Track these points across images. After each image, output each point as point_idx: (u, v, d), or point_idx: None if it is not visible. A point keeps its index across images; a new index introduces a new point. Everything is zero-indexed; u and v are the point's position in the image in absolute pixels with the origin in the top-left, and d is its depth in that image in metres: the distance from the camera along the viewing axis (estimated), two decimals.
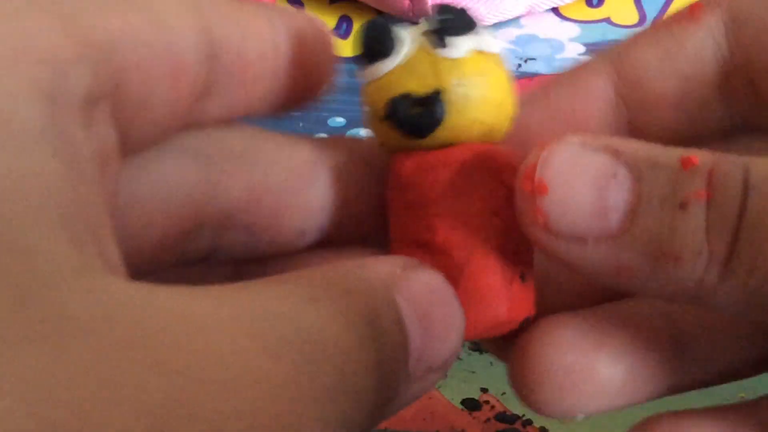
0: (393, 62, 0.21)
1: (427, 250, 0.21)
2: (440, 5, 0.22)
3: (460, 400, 0.32)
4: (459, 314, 0.20)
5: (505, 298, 0.21)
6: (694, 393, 0.32)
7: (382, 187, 0.22)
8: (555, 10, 0.54)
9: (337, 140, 0.23)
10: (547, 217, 0.19)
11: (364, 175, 0.23)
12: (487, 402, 0.32)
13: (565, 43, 0.51)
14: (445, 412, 0.31)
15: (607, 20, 0.53)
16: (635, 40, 0.24)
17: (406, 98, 0.21)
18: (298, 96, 0.23)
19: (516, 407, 0.32)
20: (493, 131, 0.22)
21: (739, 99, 0.23)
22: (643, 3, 0.54)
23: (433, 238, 0.21)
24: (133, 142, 0.19)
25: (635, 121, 0.24)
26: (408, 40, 0.21)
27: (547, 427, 0.31)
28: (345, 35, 0.52)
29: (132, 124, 0.19)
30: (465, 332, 0.20)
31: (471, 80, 0.21)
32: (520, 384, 0.22)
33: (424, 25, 0.21)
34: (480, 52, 0.21)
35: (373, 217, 0.23)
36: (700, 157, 0.19)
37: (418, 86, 0.21)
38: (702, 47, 0.23)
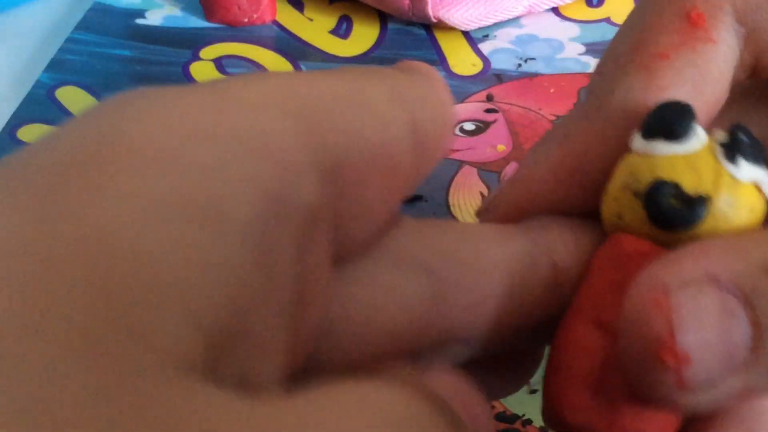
0: (678, 149, 0.20)
1: (606, 332, 0.20)
2: (737, 125, 0.21)
3: None
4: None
5: None
6: None
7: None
8: (555, 10, 0.54)
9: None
10: (685, 380, 0.18)
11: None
12: None
13: (565, 43, 0.51)
14: None
15: (607, 20, 0.53)
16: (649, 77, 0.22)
17: (674, 188, 0.20)
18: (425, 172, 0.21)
19: (516, 407, 0.32)
20: None
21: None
22: None
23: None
24: (346, 249, 0.18)
25: None
26: (702, 134, 0.20)
27: (546, 427, 0.31)
28: (345, 35, 0.52)
29: (348, 229, 0.17)
30: None
31: (740, 207, 0.20)
32: None
33: (719, 134, 0.21)
34: (757, 186, 0.21)
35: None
36: None
37: (690, 183, 0.20)
38: (726, 69, 0.22)
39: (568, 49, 0.51)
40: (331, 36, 0.52)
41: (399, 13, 0.52)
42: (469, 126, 0.45)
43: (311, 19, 0.53)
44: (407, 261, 0.20)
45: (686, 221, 0.20)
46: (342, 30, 0.52)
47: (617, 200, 0.21)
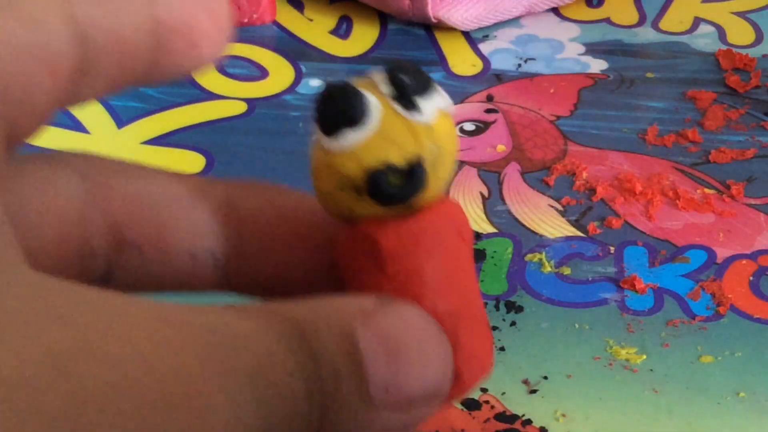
0: (366, 130, 0.20)
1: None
2: (393, 63, 0.21)
3: (459, 400, 0.32)
4: (441, 350, 0.20)
5: (491, 351, 0.21)
6: (694, 392, 0.32)
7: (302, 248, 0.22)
8: (555, 10, 0.54)
9: (246, 184, 0.23)
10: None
11: (275, 225, 0.22)
12: (486, 402, 0.32)
13: (565, 43, 0.51)
14: (444, 412, 0.31)
15: (607, 20, 0.53)
16: None
17: (387, 169, 0.20)
18: (186, 63, 0.22)
19: (516, 407, 0.32)
20: (448, 181, 0.21)
21: None
22: (643, 3, 0.54)
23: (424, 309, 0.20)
24: (15, 136, 0.19)
25: None
26: (376, 102, 0.20)
27: (546, 427, 0.31)
28: (345, 35, 0.52)
29: (15, 121, 0.19)
30: (461, 389, 0.20)
31: (445, 143, 0.20)
32: None
33: (383, 87, 0.20)
34: (441, 111, 0.20)
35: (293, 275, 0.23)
36: None
37: (398, 155, 0.20)
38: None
39: (568, 49, 0.51)
40: (331, 36, 0.52)
41: (399, 14, 0.52)
42: (469, 126, 0.45)
43: (311, 20, 0.53)
44: (66, 167, 0.21)
45: (417, 189, 0.20)
46: (342, 30, 0.52)
47: (340, 200, 0.20)
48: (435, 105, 0.20)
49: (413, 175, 0.20)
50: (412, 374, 0.19)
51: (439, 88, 0.21)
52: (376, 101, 0.20)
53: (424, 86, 0.20)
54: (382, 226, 0.20)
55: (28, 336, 0.15)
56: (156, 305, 0.17)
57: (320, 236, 0.22)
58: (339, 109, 0.20)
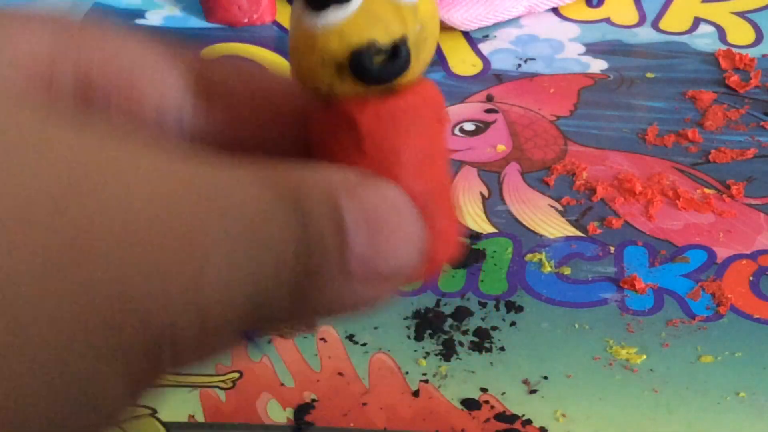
0: (351, 7, 0.20)
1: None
2: None
3: (459, 400, 0.32)
4: (416, 229, 0.20)
5: (459, 231, 0.22)
6: (694, 391, 0.32)
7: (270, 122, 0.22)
8: (555, 10, 0.54)
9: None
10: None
11: (244, 95, 0.23)
12: (486, 402, 0.32)
13: (565, 43, 0.51)
14: (444, 412, 0.31)
15: (607, 20, 0.53)
16: None
17: (372, 48, 0.20)
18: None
19: (516, 407, 0.32)
20: (428, 64, 0.21)
21: None
22: (643, 3, 0.54)
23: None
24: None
25: None
26: None
27: (546, 427, 0.31)
28: None
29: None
30: (430, 268, 0.21)
31: (429, 24, 0.20)
32: None
33: None
34: None
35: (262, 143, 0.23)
36: None
37: (382, 34, 0.20)
38: None
39: (568, 49, 0.51)
40: None
41: None
42: (469, 126, 0.45)
43: None
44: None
45: (401, 70, 0.20)
46: None
47: (320, 78, 0.20)
48: None
49: (397, 54, 0.20)
50: (389, 251, 0.20)
51: None
52: None
53: None
54: (361, 105, 0.20)
55: (27, 176, 0.15)
56: (156, 153, 0.18)
57: (291, 113, 0.23)
58: None
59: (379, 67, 0.20)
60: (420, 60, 0.20)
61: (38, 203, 0.15)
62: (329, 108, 0.21)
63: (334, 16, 0.20)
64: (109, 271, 0.16)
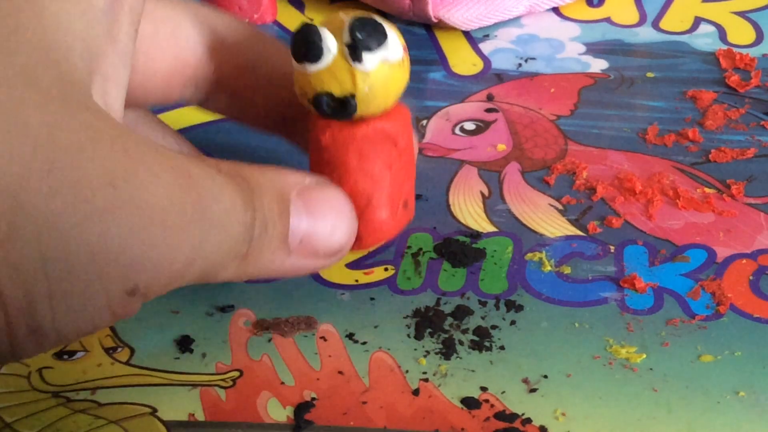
0: (320, 66, 0.28)
1: None
2: (358, 19, 0.28)
3: (459, 399, 0.32)
4: (347, 220, 0.29)
5: (392, 225, 0.31)
6: (693, 391, 0.32)
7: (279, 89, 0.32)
8: (555, 10, 0.54)
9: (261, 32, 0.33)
10: None
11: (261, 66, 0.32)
12: (486, 401, 0.32)
13: (566, 43, 0.51)
14: (444, 411, 0.31)
15: (608, 20, 0.53)
16: None
17: (328, 96, 0.28)
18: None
19: (515, 406, 0.32)
20: (388, 108, 0.30)
21: None
22: (643, 3, 0.54)
23: (343, 188, 0.29)
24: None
25: None
26: (333, 47, 0.28)
27: (546, 426, 0.31)
28: None
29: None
30: (362, 244, 0.30)
31: (377, 88, 0.28)
32: None
33: (345, 35, 0.28)
34: (385, 62, 0.28)
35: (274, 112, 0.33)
36: None
37: (338, 89, 0.28)
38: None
39: (568, 48, 0.51)
40: None
41: (399, 13, 0.52)
42: (469, 126, 0.45)
43: (312, 20, 0.53)
44: (194, 20, 0.32)
45: (348, 114, 0.29)
46: None
47: (304, 103, 0.30)
48: (379, 58, 0.28)
49: (345, 105, 0.29)
50: (322, 235, 0.28)
51: (394, 42, 0.28)
52: (334, 45, 0.28)
53: (376, 42, 0.28)
54: (325, 127, 0.30)
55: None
56: (162, 159, 0.24)
57: (288, 96, 0.31)
58: (304, 48, 0.28)
59: (331, 109, 0.29)
60: (370, 109, 0.29)
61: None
62: (312, 120, 0.30)
63: (307, 68, 0.28)
64: (118, 241, 0.22)
